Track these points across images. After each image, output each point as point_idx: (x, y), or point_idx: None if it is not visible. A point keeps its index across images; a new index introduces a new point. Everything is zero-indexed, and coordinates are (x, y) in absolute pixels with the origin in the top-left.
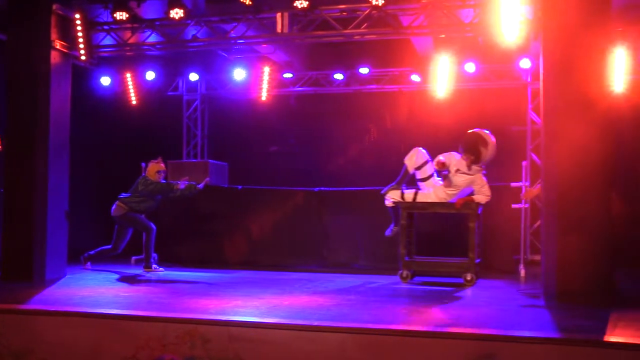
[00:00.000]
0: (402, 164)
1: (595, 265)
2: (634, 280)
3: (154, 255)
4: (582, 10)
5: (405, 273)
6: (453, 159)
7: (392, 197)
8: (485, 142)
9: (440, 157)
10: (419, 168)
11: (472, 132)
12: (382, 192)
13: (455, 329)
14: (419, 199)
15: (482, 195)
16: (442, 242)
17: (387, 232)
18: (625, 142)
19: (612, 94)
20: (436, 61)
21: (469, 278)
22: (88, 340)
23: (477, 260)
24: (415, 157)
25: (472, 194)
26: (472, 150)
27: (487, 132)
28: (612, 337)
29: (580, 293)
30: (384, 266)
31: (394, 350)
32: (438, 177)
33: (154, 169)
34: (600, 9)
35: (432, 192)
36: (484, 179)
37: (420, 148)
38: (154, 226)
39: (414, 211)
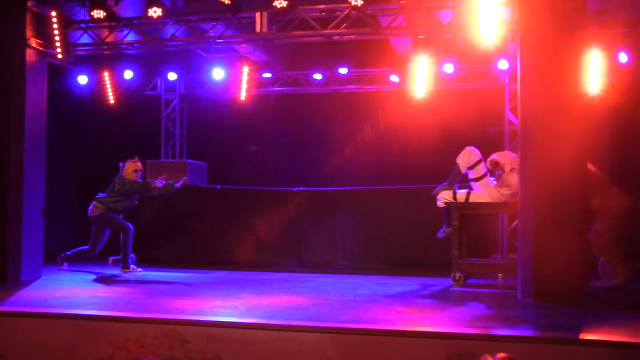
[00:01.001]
0: (455, 164)
1: (571, 265)
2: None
3: (132, 255)
4: (559, 13)
5: (458, 275)
6: (508, 158)
7: (444, 197)
8: None
9: (494, 156)
10: (471, 167)
11: None
12: (434, 192)
13: (434, 329)
14: (472, 199)
15: None
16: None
17: (439, 234)
18: (601, 143)
19: (588, 95)
20: (415, 62)
21: None
22: (64, 342)
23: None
24: (467, 157)
25: None
26: None
27: None
28: (588, 335)
29: (556, 292)
30: (363, 266)
31: (373, 350)
32: (491, 176)
33: (131, 168)
34: (575, 12)
35: (485, 192)
36: None
37: (473, 147)
38: (131, 226)
39: (467, 212)
